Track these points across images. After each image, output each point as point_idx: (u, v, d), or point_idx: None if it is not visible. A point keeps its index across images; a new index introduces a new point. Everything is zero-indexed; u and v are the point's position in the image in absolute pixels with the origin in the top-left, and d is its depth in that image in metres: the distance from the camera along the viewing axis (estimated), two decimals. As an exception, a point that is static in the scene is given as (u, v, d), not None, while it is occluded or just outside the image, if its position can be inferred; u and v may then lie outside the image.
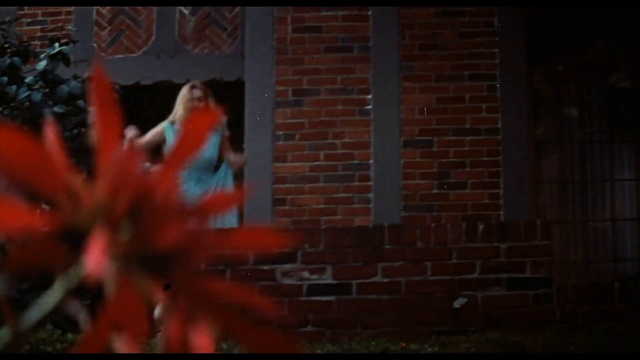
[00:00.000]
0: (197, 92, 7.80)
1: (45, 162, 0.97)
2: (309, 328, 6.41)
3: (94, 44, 9.68)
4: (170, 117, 7.88)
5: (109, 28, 9.73)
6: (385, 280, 6.49)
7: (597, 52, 9.36)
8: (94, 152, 0.98)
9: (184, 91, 7.87)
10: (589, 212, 9.09)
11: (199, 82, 8.07)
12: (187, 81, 9.47)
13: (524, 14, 8.87)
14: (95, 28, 9.73)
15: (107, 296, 0.84)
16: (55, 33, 8.02)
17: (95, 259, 0.83)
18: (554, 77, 9.30)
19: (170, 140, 7.67)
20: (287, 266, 6.45)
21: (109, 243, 0.87)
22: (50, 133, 1.03)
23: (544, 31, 9.25)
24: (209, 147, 7.48)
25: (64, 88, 7.44)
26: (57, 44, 7.49)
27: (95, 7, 9.75)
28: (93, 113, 1.02)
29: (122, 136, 1.02)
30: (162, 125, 7.86)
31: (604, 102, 9.15)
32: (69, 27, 8.94)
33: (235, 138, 9.11)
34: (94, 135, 1.01)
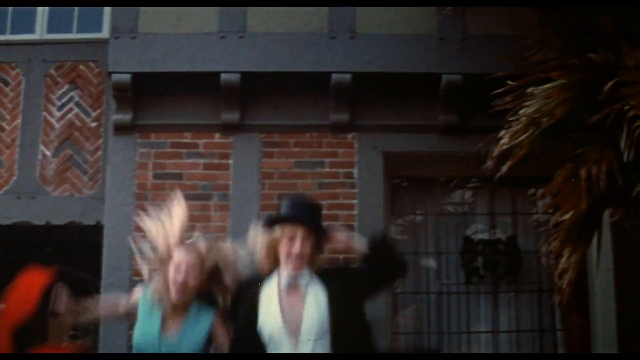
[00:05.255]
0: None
1: None
2: None
3: (-46, 181, 9.57)
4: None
5: (-31, 166, 9.64)
6: None
7: (455, 203, 9.53)
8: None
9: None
10: (445, 364, 9.13)
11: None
12: (47, 222, 9.38)
13: (384, 164, 9.00)
14: (-44, 166, 9.63)
15: None
16: None
17: None
18: (412, 228, 9.42)
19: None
20: None
21: None
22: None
23: (403, 182, 9.41)
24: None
25: None
26: None
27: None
28: None
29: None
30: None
31: (461, 253, 9.28)
32: None
33: (92, 283, 9.00)
34: None
